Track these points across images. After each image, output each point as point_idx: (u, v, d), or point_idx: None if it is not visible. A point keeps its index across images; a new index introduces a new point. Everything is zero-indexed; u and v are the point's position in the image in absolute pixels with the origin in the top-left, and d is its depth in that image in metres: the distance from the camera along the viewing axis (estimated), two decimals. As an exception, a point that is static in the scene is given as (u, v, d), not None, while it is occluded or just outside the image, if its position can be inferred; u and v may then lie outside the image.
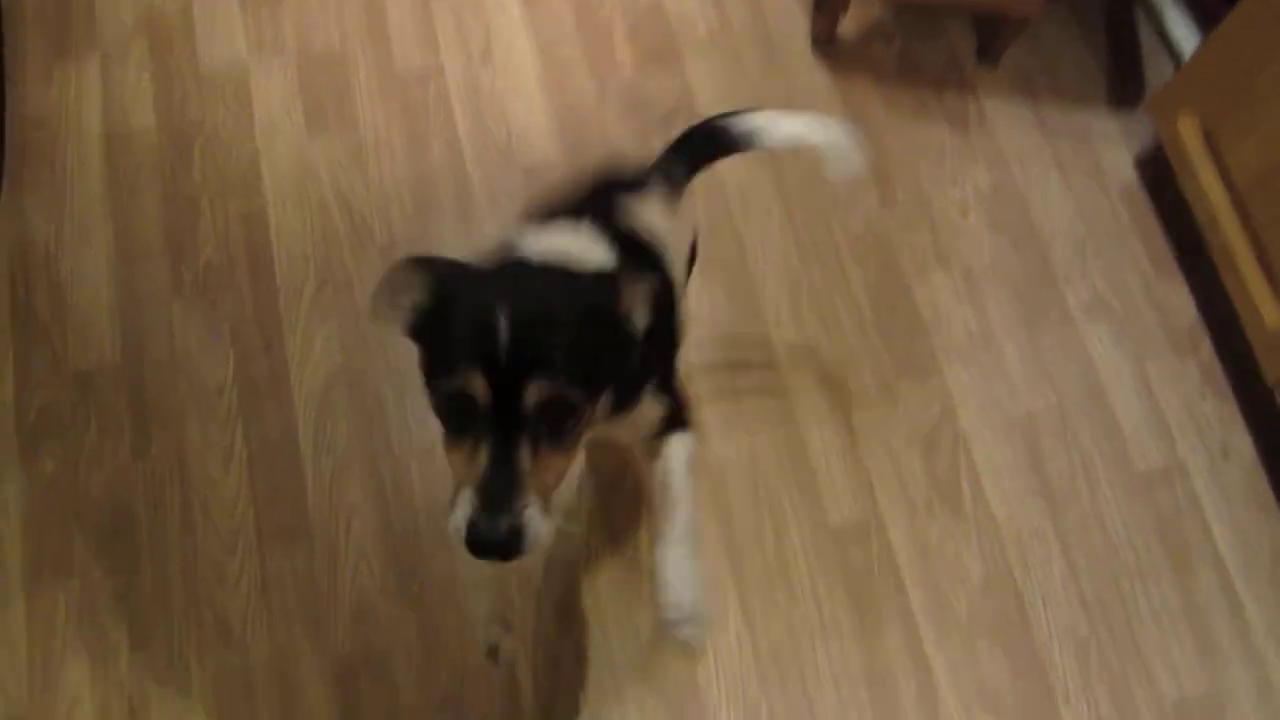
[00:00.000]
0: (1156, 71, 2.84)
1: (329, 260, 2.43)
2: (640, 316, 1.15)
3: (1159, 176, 2.66)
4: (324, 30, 2.72)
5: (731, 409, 2.32)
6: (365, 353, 2.33)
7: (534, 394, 1.03)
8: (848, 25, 2.80)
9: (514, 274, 1.18)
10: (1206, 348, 2.47)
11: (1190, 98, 2.43)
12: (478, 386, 1.03)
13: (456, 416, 1.08)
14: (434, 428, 1.14)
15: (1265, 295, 2.25)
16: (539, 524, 1.04)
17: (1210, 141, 2.38)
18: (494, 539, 1.02)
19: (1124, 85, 2.81)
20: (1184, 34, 2.82)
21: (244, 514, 2.15)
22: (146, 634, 2.03)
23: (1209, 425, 2.39)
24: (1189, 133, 2.42)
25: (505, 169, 2.57)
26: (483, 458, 1.04)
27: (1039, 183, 2.65)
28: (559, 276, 1.17)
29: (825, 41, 2.79)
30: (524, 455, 1.03)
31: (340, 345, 2.34)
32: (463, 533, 1.04)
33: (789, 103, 2.69)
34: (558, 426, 1.07)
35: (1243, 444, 2.38)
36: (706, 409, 2.30)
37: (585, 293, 1.13)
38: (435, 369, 1.11)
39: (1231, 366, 2.44)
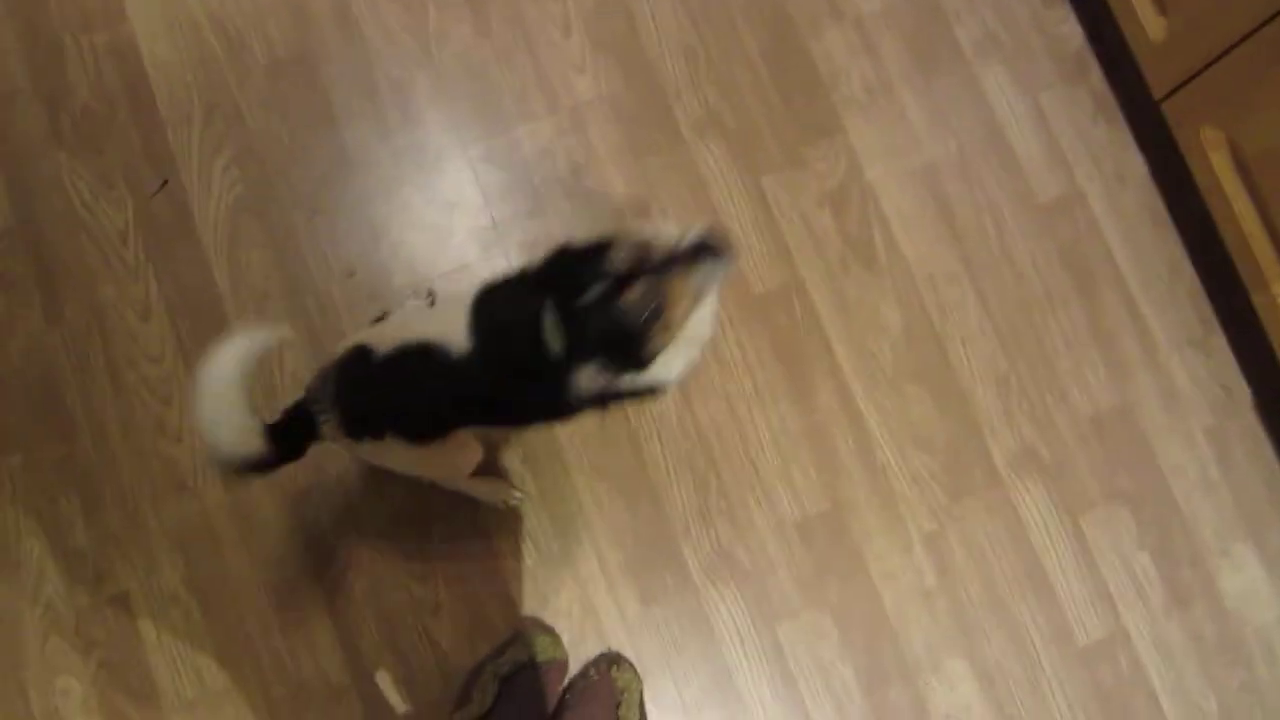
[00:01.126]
0: None
1: (212, 86, 2.22)
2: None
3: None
4: None
5: (641, 188, 2.20)
6: (266, 179, 2.16)
7: None
8: None
9: None
10: (1096, 73, 2.38)
11: None
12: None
13: None
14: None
15: (1148, 8, 2.16)
16: None
17: None
18: None
19: None
20: None
21: (173, 361, 2.02)
22: (97, 497, 1.94)
23: (1103, 150, 2.33)
24: None
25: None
26: None
27: (922, -81, 2.48)
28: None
29: None
30: None
31: (240, 174, 2.16)
32: None
33: None
34: None
35: (1135, 165, 2.33)
36: (619, 193, 2.19)
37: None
38: None
39: (1121, 89, 2.36)
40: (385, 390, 1.50)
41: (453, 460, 1.76)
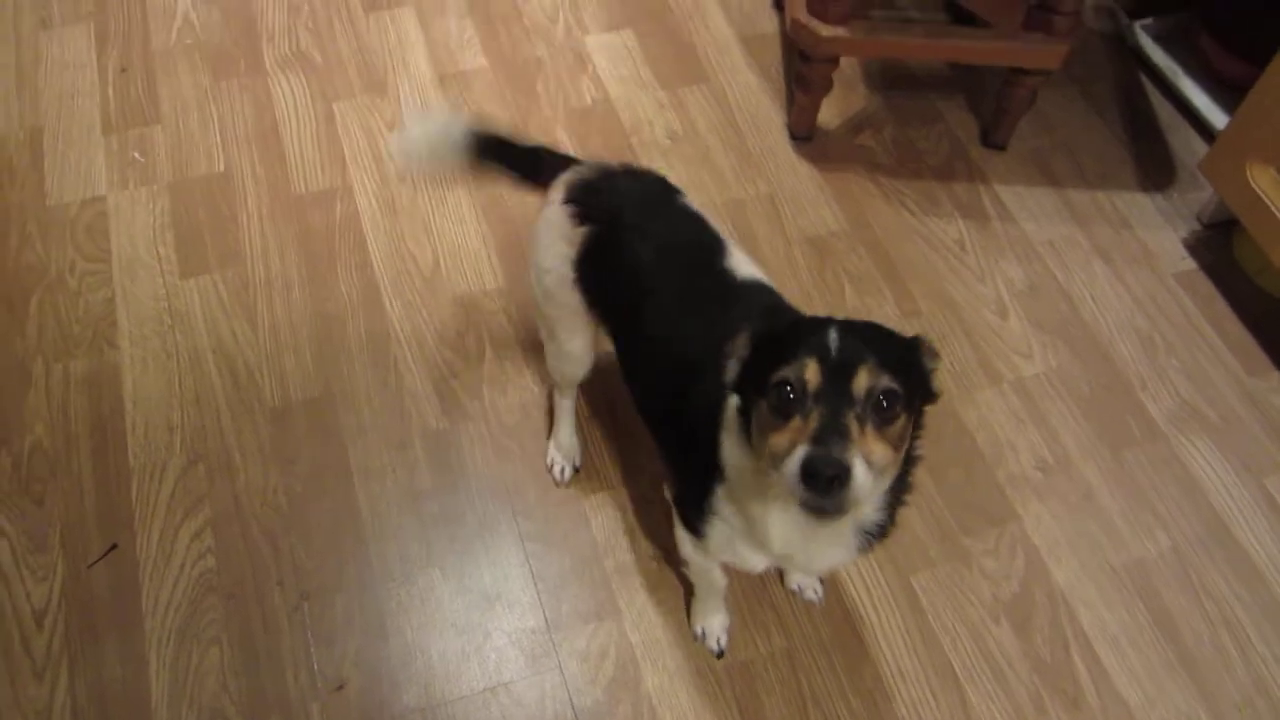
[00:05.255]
0: (1184, 146, 2.14)
1: (202, 431, 1.62)
2: (935, 382, 1.01)
3: (1218, 257, 1.95)
4: (205, 152, 1.96)
5: (756, 605, 1.50)
6: (249, 550, 1.49)
7: (864, 377, 0.91)
8: (829, 115, 2.10)
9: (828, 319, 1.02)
10: (1336, 454, 1.70)
11: (1258, 144, 1.73)
12: (812, 370, 0.91)
13: (785, 400, 0.92)
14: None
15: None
16: (865, 475, 0.88)
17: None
18: (826, 467, 0.86)
19: (1151, 162, 2.11)
20: (1205, 103, 2.14)
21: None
22: None
23: (1369, 555, 1.60)
24: (1268, 182, 1.71)
25: (431, 299, 1.78)
26: (814, 421, 0.90)
27: (1082, 274, 1.91)
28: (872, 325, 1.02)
29: (804, 136, 2.07)
30: (852, 421, 0.90)
31: (215, 543, 1.50)
32: (797, 469, 0.87)
33: (773, 204, 1.95)
34: (883, 413, 0.91)
35: None
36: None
37: (898, 337, 1.00)
38: (770, 365, 0.94)
39: (1374, 474, 1.67)
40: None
41: (565, 349, 1.41)
